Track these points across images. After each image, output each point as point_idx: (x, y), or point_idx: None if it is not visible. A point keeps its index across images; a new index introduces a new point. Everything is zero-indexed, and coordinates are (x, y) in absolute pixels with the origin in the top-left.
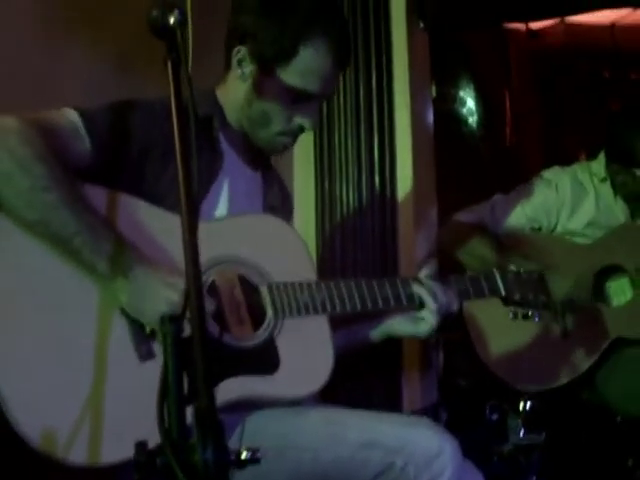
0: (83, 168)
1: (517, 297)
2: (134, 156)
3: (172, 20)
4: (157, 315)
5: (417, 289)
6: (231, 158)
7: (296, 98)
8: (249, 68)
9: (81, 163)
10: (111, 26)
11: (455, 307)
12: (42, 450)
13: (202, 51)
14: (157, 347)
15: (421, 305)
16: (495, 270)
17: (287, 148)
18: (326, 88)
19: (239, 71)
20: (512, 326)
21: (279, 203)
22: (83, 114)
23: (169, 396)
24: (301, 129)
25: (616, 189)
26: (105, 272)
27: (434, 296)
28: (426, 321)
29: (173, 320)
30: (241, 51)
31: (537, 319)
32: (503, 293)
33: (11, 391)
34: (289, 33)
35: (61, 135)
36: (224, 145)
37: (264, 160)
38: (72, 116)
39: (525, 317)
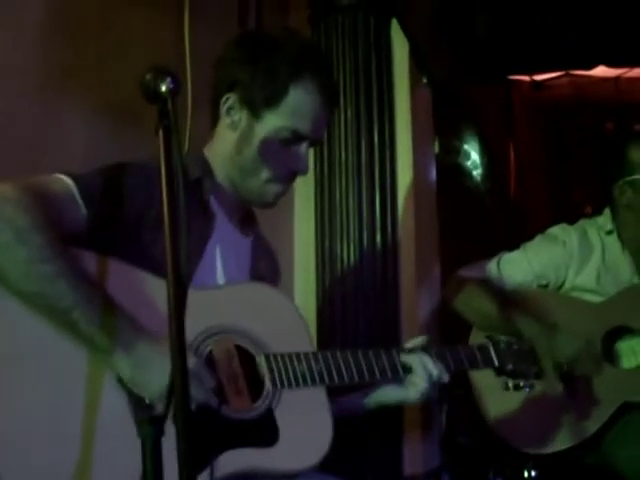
0: (78, 234)
1: (509, 368)
2: (129, 220)
3: (164, 87)
4: (161, 389)
5: (406, 357)
6: (222, 222)
7: (287, 140)
8: (239, 115)
9: (76, 230)
10: (110, 76)
11: (445, 378)
12: None
13: (200, 114)
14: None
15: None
16: (488, 342)
17: (278, 198)
18: (316, 129)
19: (228, 120)
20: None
21: (268, 273)
22: (77, 180)
23: None
24: (293, 175)
25: (623, 241)
26: (103, 346)
27: (424, 365)
28: (415, 386)
29: (153, 422)
30: (230, 99)
31: (527, 390)
32: (496, 364)
33: (4, 461)
34: (279, 75)
35: (57, 202)
36: (215, 207)
37: (253, 226)
38: (66, 182)
39: (516, 388)
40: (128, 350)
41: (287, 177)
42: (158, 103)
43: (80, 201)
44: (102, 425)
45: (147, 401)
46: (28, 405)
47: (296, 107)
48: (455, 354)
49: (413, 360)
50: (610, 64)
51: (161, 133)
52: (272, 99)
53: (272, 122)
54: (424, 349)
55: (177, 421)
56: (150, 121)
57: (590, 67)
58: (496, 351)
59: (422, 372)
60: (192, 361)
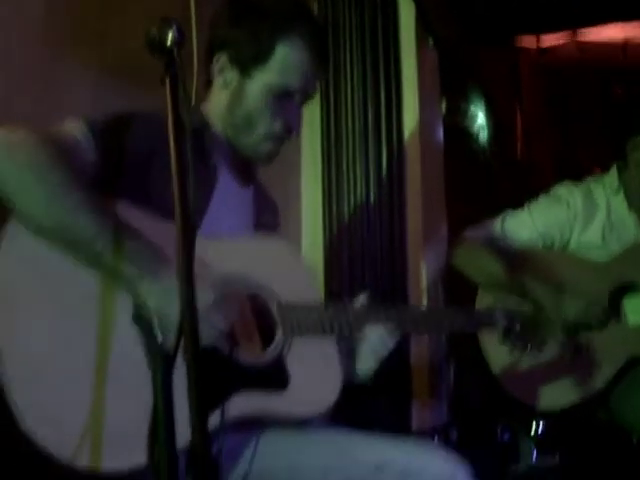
0: (92, 178)
1: (516, 332)
2: (140, 165)
3: (169, 38)
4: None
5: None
6: (223, 173)
7: (277, 97)
8: (230, 74)
9: (90, 173)
10: (113, 31)
11: (390, 345)
12: (47, 452)
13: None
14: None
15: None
16: (496, 304)
17: (272, 155)
18: (306, 85)
19: (220, 80)
20: None
21: (270, 221)
22: (90, 124)
23: (158, 439)
24: (285, 131)
25: (630, 199)
26: (130, 274)
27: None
28: (367, 359)
29: (166, 358)
30: (221, 59)
31: (534, 354)
32: (502, 328)
33: (20, 393)
34: (265, 32)
35: (69, 145)
36: (215, 160)
37: (252, 175)
38: (80, 126)
39: (523, 352)
40: (155, 278)
41: (280, 134)
42: (164, 55)
43: (92, 144)
44: (115, 362)
45: (159, 340)
46: (42, 342)
47: (284, 63)
48: (461, 316)
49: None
50: (618, 19)
51: (167, 82)
52: (260, 57)
53: (261, 79)
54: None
55: (187, 358)
56: (154, 76)
57: (598, 24)
58: (503, 316)
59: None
60: (205, 300)
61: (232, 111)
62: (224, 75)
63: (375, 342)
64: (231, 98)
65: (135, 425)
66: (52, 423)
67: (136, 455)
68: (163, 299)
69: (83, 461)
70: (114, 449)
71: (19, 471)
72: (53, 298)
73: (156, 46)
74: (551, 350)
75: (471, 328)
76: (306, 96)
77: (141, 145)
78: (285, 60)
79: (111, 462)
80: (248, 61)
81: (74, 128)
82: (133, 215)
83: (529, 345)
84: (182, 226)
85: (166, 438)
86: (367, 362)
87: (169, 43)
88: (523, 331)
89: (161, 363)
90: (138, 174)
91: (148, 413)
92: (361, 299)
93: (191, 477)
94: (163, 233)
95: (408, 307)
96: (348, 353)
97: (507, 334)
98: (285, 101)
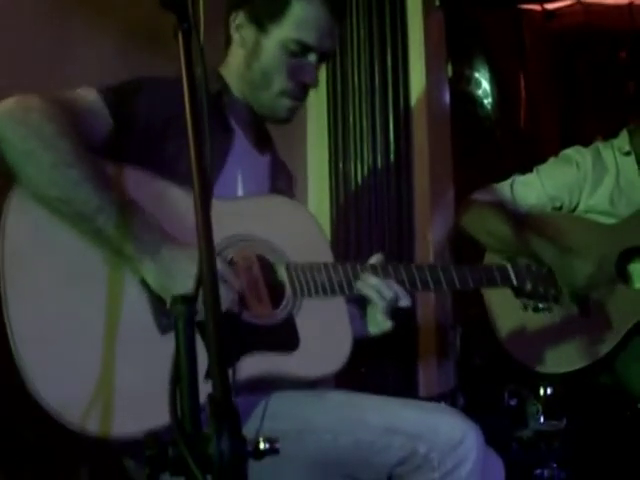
0: (106, 145)
1: (528, 289)
2: (155, 130)
3: None
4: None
5: (360, 286)
6: (240, 138)
7: (294, 52)
8: (247, 31)
9: (104, 140)
10: (117, 6)
11: (404, 302)
12: (58, 418)
13: (214, 30)
14: None
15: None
16: (507, 262)
17: (291, 113)
18: (322, 40)
19: (238, 37)
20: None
21: (285, 186)
22: (102, 91)
23: (182, 382)
24: (303, 88)
25: None
26: (129, 251)
27: (380, 294)
28: (376, 320)
29: (186, 301)
30: (239, 16)
31: (546, 312)
32: (515, 284)
33: (30, 360)
34: None
35: (83, 112)
36: (233, 123)
37: (270, 145)
38: (92, 94)
39: (535, 310)
40: (153, 255)
41: (298, 91)
42: (176, 8)
43: (106, 111)
44: (124, 327)
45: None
46: (52, 308)
47: (299, 18)
48: (475, 272)
49: (369, 290)
50: None
51: (180, 37)
52: (275, 12)
53: (277, 35)
54: (384, 270)
55: (208, 325)
56: (165, 39)
57: None
58: (515, 271)
59: (380, 302)
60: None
61: (249, 68)
62: (241, 33)
63: (381, 302)
64: (248, 55)
65: (145, 390)
66: (60, 386)
67: (147, 419)
68: (161, 276)
69: (92, 426)
70: (124, 413)
71: (30, 433)
72: (62, 263)
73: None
74: (557, 312)
75: (483, 284)
76: (323, 54)
77: (156, 110)
78: (301, 15)
79: (122, 427)
80: (264, 17)
81: (88, 94)
82: (145, 181)
83: (542, 301)
84: (199, 186)
85: (189, 389)
86: (379, 323)
87: None
88: (535, 286)
89: (183, 306)
90: (153, 139)
91: (159, 378)
92: (376, 258)
93: (214, 425)
94: (176, 198)
95: (418, 265)
96: (359, 314)
97: (520, 290)
98: (302, 58)
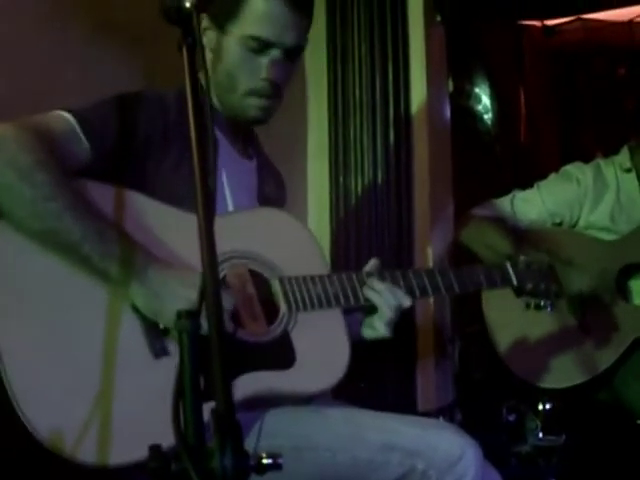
0: (84, 169)
1: (529, 287)
2: (135, 151)
3: (188, 3)
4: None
5: (367, 292)
6: (225, 146)
7: (254, 49)
8: (211, 34)
9: (82, 164)
10: (117, 9)
11: (406, 303)
12: (51, 448)
13: None
14: (171, 344)
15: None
16: (507, 261)
17: (263, 112)
18: (284, 36)
19: (205, 40)
20: (529, 321)
21: (274, 192)
22: (77, 115)
23: (185, 396)
24: (271, 86)
25: None
26: (117, 276)
27: (384, 298)
28: (379, 324)
29: (191, 315)
30: (204, 19)
31: (550, 309)
32: (515, 283)
33: (22, 388)
34: None
35: (58, 139)
36: (216, 132)
37: (256, 148)
38: (66, 117)
39: (537, 307)
40: (141, 279)
41: (265, 89)
42: (180, 21)
43: (82, 135)
44: (118, 353)
45: (161, 327)
46: (48, 337)
47: (256, 14)
48: (474, 274)
49: (373, 295)
50: (624, 4)
51: (185, 51)
52: (232, 10)
53: (236, 33)
54: (382, 276)
55: (212, 339)
56: (158, 43)
57: (604, 9)
58: (514, 269)
59: (385, 308)
60: None
61: (215, 70)
62: (206, 36)
63: (385, 308)
64: (213, 57)
65: (142, 414)
66: (53, 414)
67: (145, 444)
68: (149, 299)
69: (89, 454)
70: (122, 440)
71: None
72: (52, 290)
73: (172, 13)
74: (557, 327)
75: (483, 286)
76: (287, 50)
77: (135, 129)
78: (257, 11)
79: (121, 454)
80: (223, 17)
81: (62, 117)
82: (135, 200)
83: (544, 297)
84: (203, 202)
85: (193, 403)
86: (376, 328)
87: (188, 7)
88: (537, 284)
89: (188, 321)
90: (132, 159)
91: (155, 402)
92: (372, 264)
93: (217, 440)
94: (166, 218)
95: (415, 271)
96: (357, 322)
97: (521, 289)
98: (263, 55)
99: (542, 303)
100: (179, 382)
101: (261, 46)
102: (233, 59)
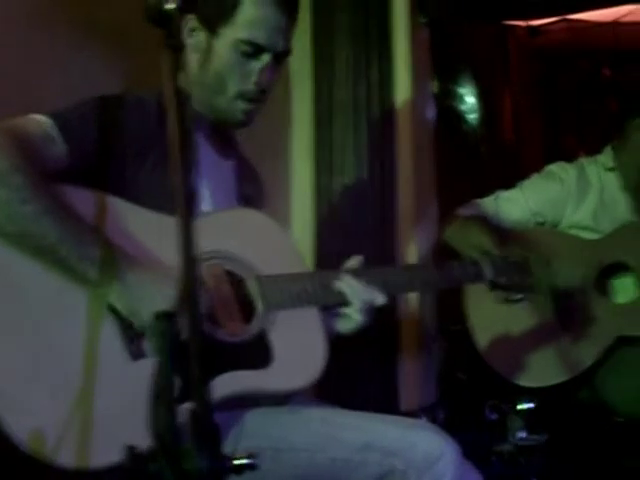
0: (63, 172)
1: (503, 281)
2: (114, 155)
3: (171, 4)
4: (155, 312)
5: (339, 285)
6: (203, 148)
7: (246, 53)
8: (199, 35)
9: (59, 168)
10: (101, 10)
11: (380, 301)
12: (30, 451)
13: None
14: (148, 345)
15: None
16: (482, 256)
17: (249, 116)
18: (275, 39)
19: (192, 41)
20: (510, 320)
21: (253, 193)
22: (55, 118)
23: (161, 398)
24: (259, 90)
25: (624, 180)
26: (95, 278)
27: (356, 293)
28: (351, 319)
29: (166, 317)
30: (191, 20)
31: (524, 302)
32: (489, 277)
33: (1, 391)
34: None
35: (35, 142)
36: (196, 135)
37: (234, 148)
38: (43, 120)
39: (510, 301)
40: (120, 281)
41: (254, 93)
42: (164, 23)
43: (59, 137)
44: (98, 356)
45: (138, 328)
46: (26, 340)
47: (250, 18)
48: (448, 269)
49: (345, 288)
50: (607, 4)
51: (168, 54)
52: (226, 13)
53: (229, 36)
54: (357, 273)
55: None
56: (142, 44)
57: (588, 9)
58: (489, 265)
59: (356, 301)
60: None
61: (204, 72)
62: (194, 37)
63: (358, 305)
64: (202, 59)
65: (121, 417)
66: (32, 418)
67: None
68: (130, 300)
69: (69, 459)
70: (102, 443)
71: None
72: (38, 294)
73: (156, 14)
74: (536, 318)
75: (459, 281)
76: (277, 55)
77: (114, 132)
78: (251, 16)
79: (99, 460)
80: (215, 19)
81: (39, 121)
82: (114, 204)
83: (518, 291)
84: (183, 206)
85: (169, 404)
86: (353, 323)
87: (171, 9)
88: (510, 277)
89: (164, 323)
90: (111, 162)
91: (135, 404)
92: (353, 262)
93: (194, 441)
94: (144, 221)
95: (391, 268)
96: (334, 319)
97: (495, 283)
98: (255, 59)
99: (516, 297)
100: (155, 384)
101: (254, 50)
102: (224, 61)
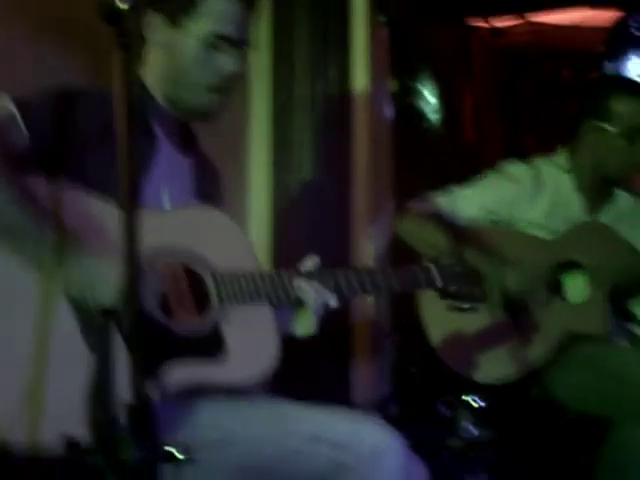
0: (22, 158)
1: (453, 290)
2: (73, 145)
3: (123, 4)
4: (112, 294)
5: (294, 285)
6: (164, 144)
7: (213, 45)
8: (163, 30)
9: (20, 153)
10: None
11: (332, 303)
12: None
13: None
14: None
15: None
16: (431, 263)
17: (218, 108)
18: (239, 29)
19: (154, 37)
20: (464, 317)
21: (211, 189)
22: (19, 103)
23: (99, 390)
24: (227, 82)
25: (578, 180)
26: (50, 264)
27: (310, 294)
28: (304, 318)
29: (109, 314)
30: (152, 16)
31: (471, 311)
32: (439, 285)
33: None
34: None
35: None
36: (157, 131)
37: (195, 145)
38: (7, 105)
39: (460, 310)
40: (74, 266)
41: (221, 84)
42: (116, 21)
43: (21, 124)
44: (54, 344)
45: (94, 313)
46: None
47: (215, 11)
48: (398, 274)
49: (299, 288)
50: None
51: (120, 52)
52: (190, 7)
53: (195, 30)
54: (311, 274)
55: (127, 312)
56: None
57: (548, 9)
58: (439, 272)
59: (308, 300)
60: None
61: (169, 67)
62: (157, 33)
63: (310, 307)
64: (166, 54)
65: (72, 405)
66: None
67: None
68: (85, 287)
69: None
70: (55, 436)
71: None
72: None
73: (107, 11)
74: (486, 318)
75: (409, 287)
76: (240, 45)
77: (72, 123)
78: (216, 8)
79: (51, 449)
80: (178, 13)
81: (4, 105)
82: (70, 193)
83: (467, 300)
84: (126, 200)
85: (106, 397)
86: (306, 325)
87: (123, 7)
88: (460, 286)
89: (107, 319)
90: (75, 153)
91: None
92: (309, 262)
93: (130, 431)
94: (99, 210)
95: (343, 270)
96: (286, 316)
97: (445, 291)
98: (220, 52)
99: (465, 306)
100: (94, 376)
101: (220, 42)
102: (190, 55)
